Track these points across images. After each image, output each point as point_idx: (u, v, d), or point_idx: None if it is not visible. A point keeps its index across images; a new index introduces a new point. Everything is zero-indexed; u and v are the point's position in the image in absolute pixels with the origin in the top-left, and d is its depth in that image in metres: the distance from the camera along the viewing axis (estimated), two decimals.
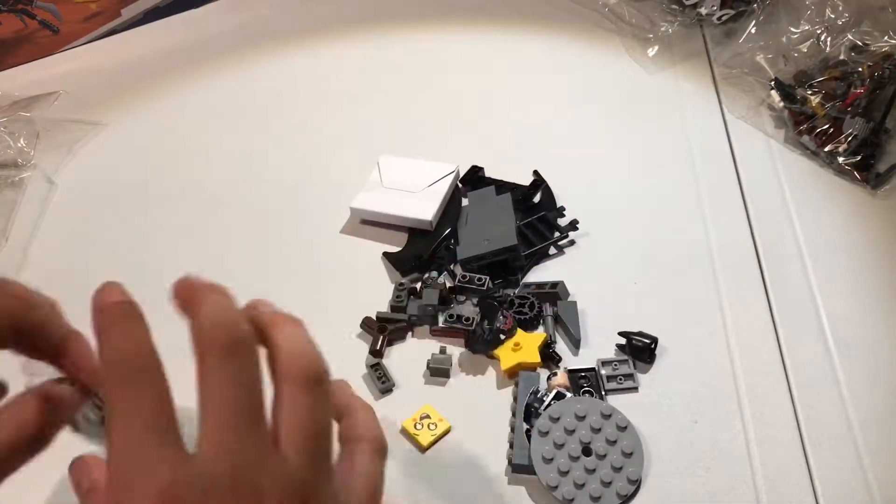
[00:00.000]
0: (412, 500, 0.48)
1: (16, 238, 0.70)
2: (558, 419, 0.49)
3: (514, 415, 0.51)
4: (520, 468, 0.48)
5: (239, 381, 0.25)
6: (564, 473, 0.47)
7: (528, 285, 0.61)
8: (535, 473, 0.47)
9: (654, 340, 0.55)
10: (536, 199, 0.69)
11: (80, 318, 0.64)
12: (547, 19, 0.94)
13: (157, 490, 0.23)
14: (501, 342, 0.55)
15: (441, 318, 0.58)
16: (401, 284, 0.60)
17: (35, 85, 0.88)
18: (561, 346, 0.57)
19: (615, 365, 0.54)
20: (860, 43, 0.75)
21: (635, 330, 0.56)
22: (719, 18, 0.87)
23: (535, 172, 0.71)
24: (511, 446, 0.50)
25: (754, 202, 0.68)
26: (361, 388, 0.55)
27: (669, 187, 0.70)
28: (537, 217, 0.65)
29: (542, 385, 0.53)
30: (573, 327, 0.57)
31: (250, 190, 0.73)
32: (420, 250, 0.64)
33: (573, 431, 0.49)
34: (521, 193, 0.69)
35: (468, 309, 0.58)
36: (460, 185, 0.70)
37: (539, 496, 0.48)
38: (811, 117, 0.72)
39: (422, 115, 0.81)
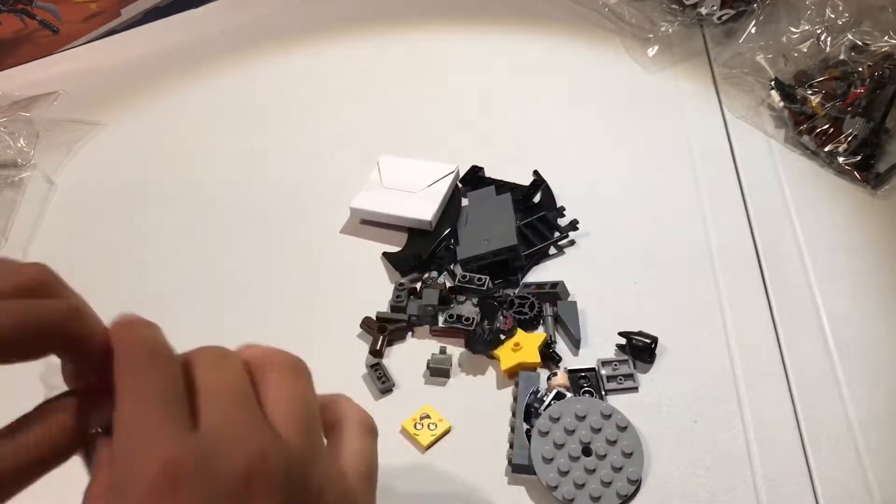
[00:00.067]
0: (412, 500, 0.48)
1: (16, 238, 0.70)
2: (558, 419, 0.49)
3: (514, 415, 0.51)
4: (520, 468, 0.48)
5: (232, 371, 0.26)
6: (564, 473, 0.47)
7: (528, 285, 0.61)
8: (535, 473, 0.47)
9: (654, 340, 0.55)
10: (536, 199, 0.69)
11: None
12: (547, 19, 0.94)
13: (161, 461, 0.23)
14: (501, 342, 0.55)
15: (441, 318, 0.58)
16: (401, 284, 0.60)
17: (35, 85, 0.88)
18: (561, 346, 0.57)
19: (615, 365, 0.54)
20: (860, 43, 0.75)
21: (635, 330, 0.56)
22: (719, 18, 0.87)
23: (535, 172, 0.71)
24: (511, 446, 0.50)
25: (754, 202, 0.68)
26: (361, 388, 0.55)
27: (669, 187, 0.70)
28: (537, 217, 0.65)
29: (542, 385, 0.53)
30: (573, 327, 0.57)
31: (250, 190, 0.73)
32: (420, 250, 0.64)
33: (573, 431, 0.49)
34: (521, 193, 0.69)
35: (468, 309, 0.57)
36: (460, 185, 0.70)
37: (539, 496, 0.48)
38: (811, 117, 0.72)
39: (422, 115, 0.81)
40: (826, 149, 0.70)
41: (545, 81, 0.85)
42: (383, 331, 0.57)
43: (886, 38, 0.74)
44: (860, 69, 0.72)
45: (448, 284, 0.61)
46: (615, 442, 0.48)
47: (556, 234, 0.65)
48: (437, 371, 0.55)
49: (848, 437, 0.50)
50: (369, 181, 0.69)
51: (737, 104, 0.78)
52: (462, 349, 0.57)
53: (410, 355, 0.57)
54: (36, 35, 0.97)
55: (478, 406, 0.53)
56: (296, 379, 0.27)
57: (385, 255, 0.64)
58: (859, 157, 0.69)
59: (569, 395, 0.51)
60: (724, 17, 0.87)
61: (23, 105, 0.83)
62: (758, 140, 0.75)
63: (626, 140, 0.76)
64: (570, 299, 0.59)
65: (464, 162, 0.71)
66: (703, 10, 0.88)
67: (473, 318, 0.56)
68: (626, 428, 0.49)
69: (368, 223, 0.68)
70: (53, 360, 0.28)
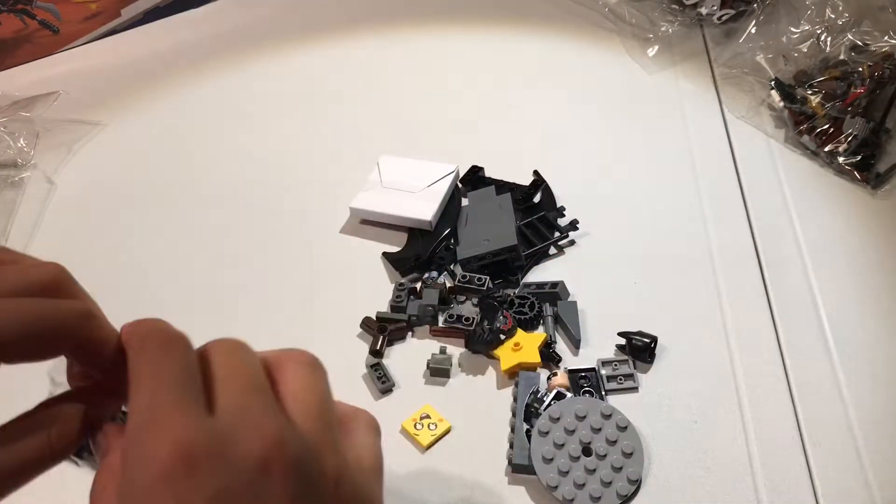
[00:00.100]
0: (412, 500, 0.48)
1: (15, 238, 0.70)
2: (558, 419, 0.49)
3: (514, 415, 0.51)
4: (520, 468, 0.48)
5: (248, 359, 0.26)
6: (564, 473, 0.47)
7: (528, 285, 0.61)
8: (535, 473, 0.47)
9: (654, 340, 0.55)
10: (536, 199, 0.69)
11: None
12: (547, 19, 0.94)
13: (175, 441, 0.23)
14: (501, 342, 0.55)
15: (441, 318, 0.58)
16: (401, 284, 0.60)
17: (35, 85, 0.88)
18: (561, 346, 0.57)
19: (615, 365, 0.54)
20: (860, 43, 0.75)
21: (635, 330, 0.56)
22: (719, 18, 0.87)
23: (535, 172, 0.71)
24: (511, 446, 0.50)
25: (754, 202, 0.68)
26: (361, 388, 0.55)
27: (669, 187, 0.70)
28: (537, 217, 0.65)
29: (542, 385, 0.53)
30: (573, 327, 0.57)
31: (250, 190, 0.73)
32: (420, 250, 0.64)
33: (573, 431, 0.49)
34: (521, 193, 0.69)
35: (468, 309, 0.58)
36: (460, 185, 0.70)
37: (539, 496, 0.48)
38: (811, 117, 0.72)
39: (422, 115, 0.81)
40: (826, 149, 0.70)
41: (545, 81, 0.85)
42: (383, 331, 0.57)
43: (886, 38, 0.74)
44: (860, 69, 0.72)
45: (448, 284, 0.61)
46: (615, 442, 0.48)
47: (556, 234, 0.65)
48: (437, 371, 0.55)
49: (848, 437, 0.50)
50: (369, 181, 0.69)
51: (737, 104, 0.78)
52: (462, 349, 0.57)
53: (410, 355, 0.57)
54: (36, 35, 0.97)
55: (478, 406, 0.53)
56: (312, 373, 0.27)
57: (385, 255, 0.64)
58: (859, 157, 0.69)
59: (569, 395, 0.51)
60: (724, 17, 0.87)
61: (23, 105, 0.83)
62: (758, 140, 0.75)
63: (625, 140, 0.76)
64: (570, 299, 0.59)
65: (464, 162, 0.71)
66: (703, 10, 0.88)
67: (473, 318, 0.56)
68: (626, 428, 0.49)
69: (368, 223, 0.68)
70: (61, 357, 0.28)
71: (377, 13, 0.98)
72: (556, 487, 0.46)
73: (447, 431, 0.52)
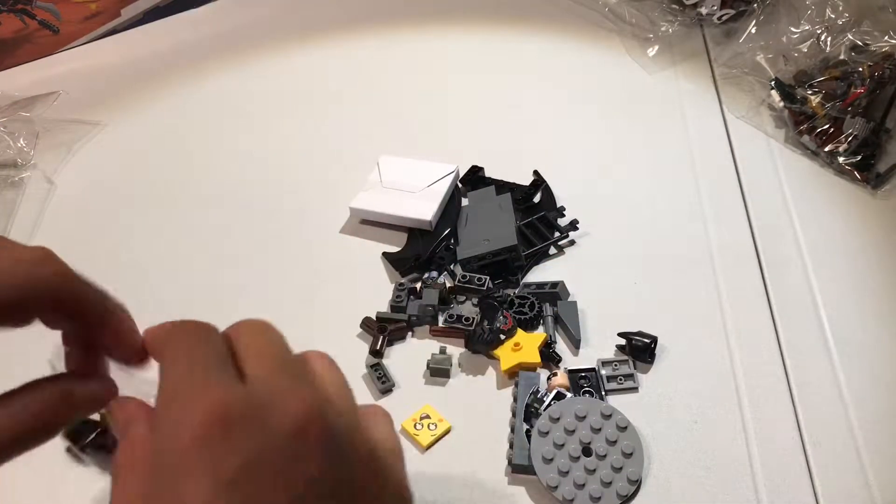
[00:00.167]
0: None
1: (15, 238, 0.69)
2: (558, 419, 0.49)
3: (514, 415, 0.51)
4: (520, 468, 0.48)
5: (276, 337, 0.27)
6: (564, 473, 0.47)
7: (528, 285, 0.61)
8: (535, 473, 0.47)
9: (654, 340, 0.55)
10: (536, 199, 0.69)
11: None
12: (547, 19, 0.94)
13: (210, 404, 0.23)
14: (501, 342, 0.55)
15: (441, 318, 0.58)
16: (401, 284, 0.60)
17: (35, 85, 0.88)
18: (561, 346, 0.57)
19: (615, 365, 0.54)
20: (860, 43, 0.75)
21: (635, 330, 0.56)
22: (719, 18, 0.87)
23: (535, 172, 0.71)
24: (511, 446, 0.50)
25: (754, 202, 0.68)
26: (361, 388, 0.55)
27: (669, 187, 0.70)
28: (537, 217, 0.65)
29: (542, 385, 0.53)
30: (573, 327, 0.57)
31: (250, 190, 0.73)
32: (420, 250, 0.63)
33: (573, 431, 0.49)
34: (521, 193, 0.69)
35: (468, 309, 0.58)
36: (460, 185, 0.70)
37: (539, 496, 0.48)
38: (811, 117, 0.72)
39: (422, 115, 0.81)
40: (826, 149, 0.70)
41: (545, 81, 0.85)
42: (383, 331, 0.57)
43: (886, 38, 0.74)
44: (860, 69, 0.72)
45: (448, 284, 0.60)
46: (615, 442, 0.48)
47: (556, 234, 0.65)
48: (437, 371, 0.55)
49: (848, 437, 0.50)
50: (369, 181, 0.69)
51: (737, 104, 0.78)
52: (462, 349, 0.57)
53: (410, 355, 0.57)
54: (36, 35, 0.97)
55: (478, 406, 0.53)
56: (336, 366, 0.28)
57: (385, 255, 0.64)
58: (859, 157, 0.69)
59: (569, 395, 0.51)
60: (724, 17, 0.87)
61: (23, 105, 0.83)
62: (758, 140, 0.75)
63: (626, 140, 0.76)
64: (570, 299, 0.59)
65: (464, 162, 0.71)
66: (704, 10, 0.88)
67: (473, 318, 0.56)
68: (626, 428, 0.49)
69: (368, 223, 0.68)
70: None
71: (377, 13, 0.98)
72: (556, 487, 0.46)
73: (447, 431, 0.52)
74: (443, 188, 0.67)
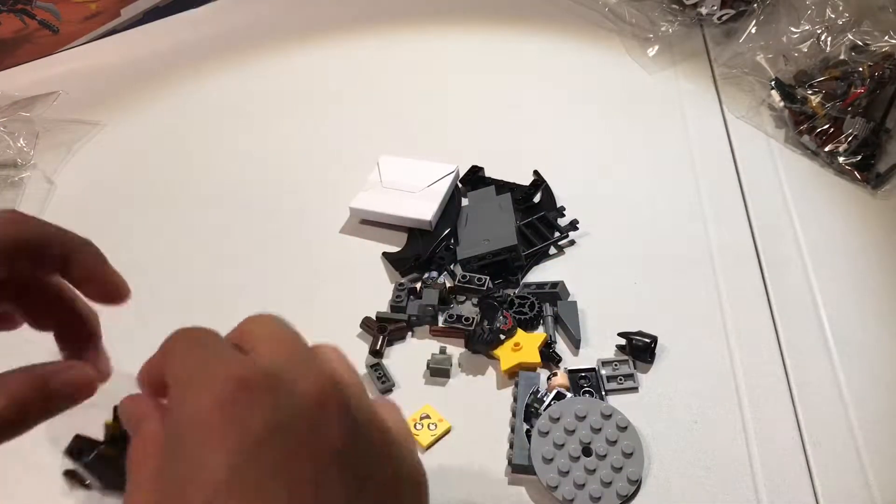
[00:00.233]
0: None
1: None
2: (558, 419, 0.49)
3: (514, 415, 0.51)
4: (520, 468, 0.48)
5: (286, 328, 0.27)
6: (564, 473, 0.47)
7: (528, 285, 0.61)
8: (535, 473, 0.47)
9: (654, 340, 0.55)
10: (536, 199, 0.69)
11: None
12: (547, 19, 0.94)
13: (228, 376, 0.22)
14: (501, 342, 0.55)
15: (441, 318, 0.58)
16: (400, 284, 0.60)
17: (35, 85, 0.88)
18: (561, 346, 0.57)
19: (615, 365, 0.54)
20: (860, 43, 0.75)
21: (635, 330, 0.56)
22: (719, 18, 0.87)
23: (535, 172, 0.71)
24: (511, 446, 0.50)
25: (754, 202, 0.68)
26: None
27: (669, 187, 0.70)
28: (537, 217, 0.65)
29: (542, 385, 0.53)
30: (573, 327, 0.57)
31: (250, 190, 0.73)
32: (420, 250, 0.63)
33: (573, 431, 0.49)
34: (521, 193, 0.69)
35: (468, 309, 0.57)
36: (460, 185, 0.70)
37: (539, 496, 0.48)
38: (811, 117, 0.72)
39: (422, 115, 0.81)
40: (826, 149, 0.70)
41: (545, 81, 0.85)
42: (383, 331, 0.57)
43: (887, 38, 0.74)
44: (860, 69, 0.72)
45: (448, 284, 0.60)
46: (615, 442, 0.48)
47: (556, 234, 0.65)
48: (437, 371, 0.55)
49: (848, 437, 0.50)
50: (369, 181, 0.69)
51: (737, 104, 0.78)
52: (462, 349, 0.57)
53: (410, 355, 0.57)
54: (36, 35, 0.97)
55: (478, 406, 0.53)
56: (346, 359, 0.28)
57: (385, 255, 0.64)
58: (859, 157, 0.69)
59: (569, 395, 0.51)
60: (724, 17, 0.87)
61: (23, 105, 0.83)
62: (758, 140, 0.75)
63: (626, 140, 0.76)
64: (570, 299, 0.59)
65: (464, 162, 0.71)
66: (704, 10, 0.88)
67: (473, 318, 0.56)
68: (626, 428, 0.49)
69: (368, 223, 0.68)
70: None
71: (377, 13, 0.98)
72: (556, 487, 0.46)
73: (447, 431, 0.52)
74: (443, 188, 0.67)
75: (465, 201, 0.69)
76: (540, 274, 0.62)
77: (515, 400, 0.52)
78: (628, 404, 0.52)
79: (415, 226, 0.66)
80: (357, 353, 0.57)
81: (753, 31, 0.82)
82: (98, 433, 0.46)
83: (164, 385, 0.24)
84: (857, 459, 0.49)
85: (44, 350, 0.30)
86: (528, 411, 0.51)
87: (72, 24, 0.98)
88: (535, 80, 0.85)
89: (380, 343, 0.56)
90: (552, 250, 0.64)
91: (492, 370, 0.56)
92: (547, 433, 0.49)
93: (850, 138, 0.69)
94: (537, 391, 0.52)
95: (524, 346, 0.55)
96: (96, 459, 0.46)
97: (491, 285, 0.59)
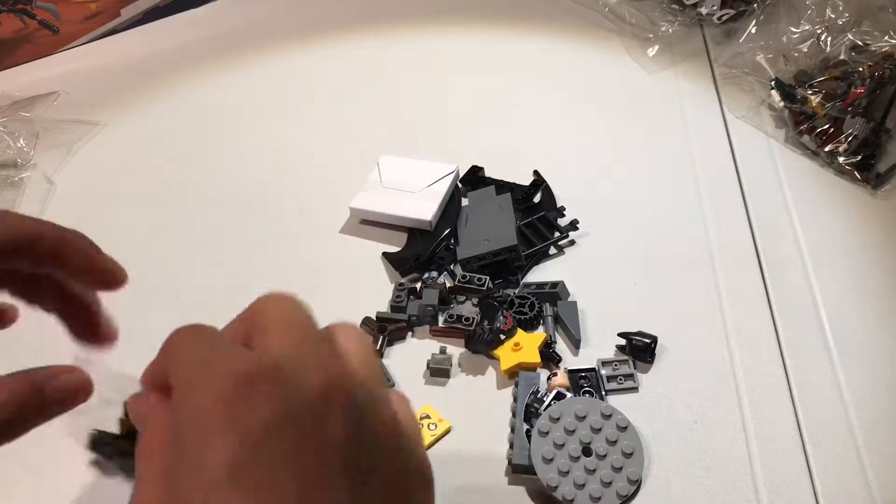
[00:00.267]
0: None
1: None
2: (558, 419, 0.49)
3: (514, 415, 0.51)
4: (520, 468, 0.48)
5: (300, 311, 0.27)
6: (564, 473, 0.47)
7: (528, 285, 0.61)
8: (535, 473, 0.47)
9: (654, 340, 0.55)
10: (536, 199, 0.69)
11: None
12: (547, 19, 0.94)
13: (230, 371, 0.22)
14: (501, 342, 0.55)
15: (441, 318, 0.58)
16: (400, 284, 0.60)
17: (35, 85, 0.88)
18: (561, 346, 0.57)
19: (615, 365, 0.54)
20: (860, 43, 0.75)
21: (635, 330, 0.56)
22: (719, 18, 0.87)
23: (535, 172, 0.71)
24: (511, 446, 0.50)
25: (754, 202, 0.68)
26: None
27: (669, 187, 0.70)
28: (537, 217, 0.65)
29: (542, 385, 0.53)
30: (573, 327, 0.57)
31: (250, 190, 0.73)
32: (420, 250, 0.63)
33: (573, 431, 0.49)
34: (521, 193, 0.69)
35: (468, 309, 0.57)
36: (460, 185, 0.70)
37: (539, 496, 0.48)
38: (811, 117, 0.72)
39: (422, 115, 0.81)
40: (826, 149, 0.70)
41: (545, 81, 0.85)
42: (383, 331, 0.57)
43: (887, 37, 0.74)
44: (860, 69, 0.72)
45: (448, 284, 0.61)
46: (615, 442, 0.48)
47: (556, 234, 0.65)
48: (437, 371, 0.55)
49: (848, 437, 0.50)
50: (369, 181, 0.69)
51: (737, 104, 0.78)
52: (462, 349, 0.57)
53: (410, 355, 0.57)
54: (36, 35, 0.97)
55: (478, 406, 0.53)
56: (363, 338, 0.27)
57: (385, 255, 0.64)
58: (859, 157, 0.69)
59: (569, 395, 0.51)
60: (725, 17, 0.87)
61: (23, 105, 0.83)
62: (758, 140, 0.75)
63: (626, 140, 0.76)
64: (570, 299, 0.59)
65: (464, 162, 0.71)
66: (704, 10, 0.88)
67: (473, 318, 0.56)
68: (626, 428, 0.49)
69: (368, 223, 0.68)
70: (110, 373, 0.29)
71: (377, 13, 0.98)
72: (556, 487, 0.46)
73: (447, 431, 0.52)
74: (443, 188, 0.67)
75: (465, 201, 0.69)
76: (540, 274, 0.62)
77: (515, 400, 0.52)
78: (628, 404, 0.52)
79: (415, 226, 0.66)
80: None
81: (753, 31, 0.82)
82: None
83: (167, 386, 0.24)
84: (857, 459, 0.49)
85: (31, 351, 0.31)
86: (528, 411, 0.51)
87: (72, 24, 0.98)
88: (535, 80, 0.85)
89: (380, 343, 0.56)
90: (552, 250, 0.64)
91: (492, 370, 0.56)
92: (547, 433, 0.49)
93: (850, 138, 0.69)
94: (537, 391, 0.52)
95: (524, 346, 0.55)
96: (115, 452, 0.47)
97: (491, 285, 0.59)
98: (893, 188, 0.68)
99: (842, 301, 0.59)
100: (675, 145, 0.74)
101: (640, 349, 0.55)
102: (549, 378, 0.53)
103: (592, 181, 0.71)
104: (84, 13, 0.99)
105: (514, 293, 0.59)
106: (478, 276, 0.59)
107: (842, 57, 0.75)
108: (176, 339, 0.25)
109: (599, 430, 0.49)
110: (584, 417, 0.49)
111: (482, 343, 0.55)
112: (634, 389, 0.53)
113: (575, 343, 0.56)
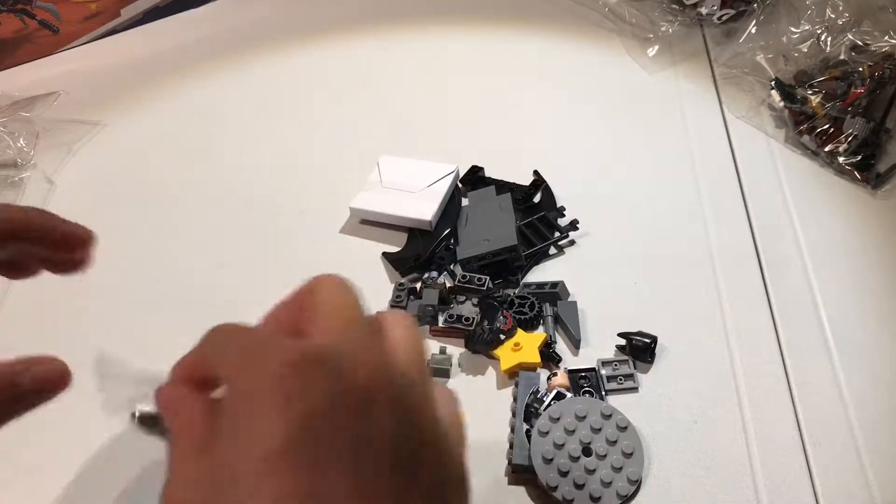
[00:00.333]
0: None
1: None
2: (558, 419, 0.49)
3: (514, 415, 0.51)
4: (520, 468, 0.48)
5: (352, 299, 0.27)
6: (564, 474, 0.47)
7: (528, 285, 0.61)
8: (535, 473, 0.47)
9: (654, 340, 0.55)
10: (536, 199, 0.69)
11: (79, 315, 0.64)
12: (547, 19, 0.94)
13: (284, 355, 0.22)
14: (501, 342, 0.55)
15: (441, 318, 0.58)
16: (400, 284, 0.60)
17: (35, 85, 0.88)
18: (561, 346, 0.57)
19: (615, 365, 0.54)
20: (860, 43, 0.75)
21: (635, 330, 0.56)
22: (719, 18, 0.87)
23: (535, 172, 0.71)
24: (511, 446, 0.50)
25: (754, 202, 0.68)
26: None
27: (669, 187, 0.70)
28: (537, 217, 0.65)
29: (542, 385, 0.53)
30: (573, 327, 0.57)
31: (250, 190, 0.73)
32: (420, 250, 0.63)
33: (573, 431, 0.49)
34: (521, 193, 0.69)
35: (468, 309, 0.58)
36: (460, 185, 0.70)
37: (539, 496, 0.48)
38: (811, 117, 0.72)
39: (422, 115, 0.81)
40: (826, 149, 0.70)
41: (545, 81, 0.85)
42: None
43: (887, 37, 0.74)
44: (860, 69, 0.72)
45: (448, 284, 0.61)
46: (615, 442, 0.48)
47: (556, 234, 0.65)
48: (437, 371, 0.55)
49: (848, 437, 0.50)
50: (369, 181, 0.69)
51: (737, 104, 0.78)
52: (462, 349, 0.57)
53: None
54: (36, 35, 0.97)
55: (478, 406, 0.53)
56: (413, 328, 0.27)
57: (385, 255, 0.64)
58: (859, 157, 0.69)
59: (569, 395, 0.51)
60: (725, 17, 0.87)
61: (23, 105, 0.83)
62: (758, 140, 0.75)
63: (626, 140, 0.76)
64: (570, 299, 0.59)
65: (464, 162, 0.71)
66: (704, 10, 0.87)
67: (473, 318, 0.56)
68: (626, 428, 0.49)
69: (368, 223, 0.68)
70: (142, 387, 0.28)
71: (377, 13, 0.98)
72: (556, 488, 0.46)
73: None
74: (443, 188, 0.67)
75: (465, 201, 0.69)
76: (540, 274, 0.62)
77: (515, 400, 0.52)
78: (628, 404, 0.52)
79: (415, 226, 0.66)
80: None
81: (753, 31, 0.82)
82: None
83: (204, 379, 0.25)
84: (857, 459, 0.49)
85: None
86: (528, 411, 0.51)
87: (72, 24, 0.98)
88: (535, 80, 0.85)
89: None
90: (552, 250, 0.64)
91: (492, 370, 0.56)
92: (547, 433, 0.49)
93: (850, 138, 0.69)
94: (537, 391, 0.52)
95: (524, 346, 0.55)
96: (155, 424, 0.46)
97: (491, 285, 0.59)
98: (893, 188, 0.68)
99: (842, 301, 0.59)
100: (675, 145, 0.74)
101: (640, 349, 0.55)
102: (549, 378, 0.53)
103: (592, 181, 0.71)
104: (84, 13, 0.99)
105: (514, 293, 0.59)
106: (478, 276, 0.59)
107: (842, 57, 0.75)
108: (219, 335, 0.26)
109: (599, 430, 0.49)
110: (584, 417, 0.49)
111: (482, 343, 0.55)
112: (634, 389, 0.53)
113: (575, 343, 0.56)
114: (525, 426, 0.50)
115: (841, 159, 0.69)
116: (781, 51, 0.79)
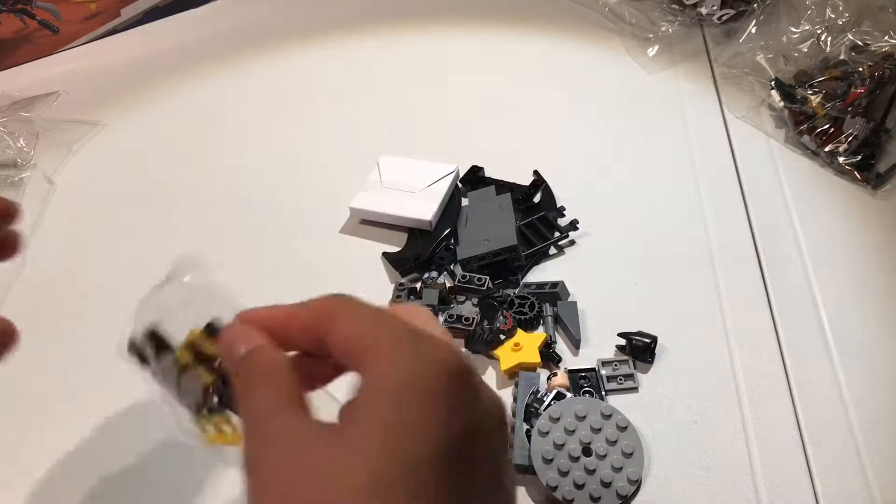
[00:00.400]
0: None
1: None
2: (558, 419, 0.49)
3: (514, 415, 0.51)
4: (520, 468, 0.48)
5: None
6: (564, 473, 0.47)
7: (528, 285, 0.61)
8: (535, 473, 0.47)
9: (654, 340, 0.55)
10: (536, 199, 0.69)
11: (79, 315, 0.64)
12: (547, 19, 0.94)
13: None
14: (501, 342, 0.55)
15: (441, 318, 0.58)
16: (400, 284, 0.60)
17: (35, 85, 0.88)
18: (561, 346, 0.57)
19: (615, 365, 0.54)
20: (860, 43, 0.75)
21: (635, 330, 0.56)
22: (719, 18, 0.87)
23: (535, 172, 0.71)
24: (511, 446, 0.50)
25: (754, 202, 0.68)
26: None
27: (669, 187, 0.70)
28: (537, 217, 0.65)
29: (542, 385, 0.53)
30: (573, 327, 0.57)
31: (250, 190, 0.73)
32: (420, 250, 0.63)
33: (573, 431, 0.49)
34: (521, 193, 0.69)
35: (468, 309, 0.57)
36: (460, 185, 0.70)
37: (539, 496, 0.48)
38: (811, 117, 0.72)
39: (422, 115, 0.81)
40: (826, 149, 0.70)
41: (545, 81, 0.85)
42: None
43: (887, 37, 0.74)
44: (860, 69, 0.72)
45: (448, 284, 0.60)
46: (615, 442, 0.48)
47: (556, 234, 0.65)
48: None
49: (848, 437, 0.50)
50: (369, 181, 0.69)
51: (737, 104, 0.78)
52: (462, 349, 0.57)
53: None
54: (36, 35, 0.97)
55: None
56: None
57: (385, 255, 0.64)
58: (859, 157, 0.69)
59: (569, 395, 0.51)
60: (725, 17, 0.87)
61: (23, 105, 0.83)
62: (758, 140, 0.75)
63: (626, 140, 0.76)
64: (570, 299, 0.59)
65: (464, 162, 0.71)
66: (704, 10, 0.88)
67: (473, 318, 0.56)
68: (626, 428, 0.49)
69: (368, 223, 0.68)
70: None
71: (377, 13, 0.98)
72: (556, 487, 0.46)
73: None
74: (443, 188, 0.67)
75: (465, 201, 0.69)
76: (540, 274, 0.62)
77: (515, 400, 0.52)
78: (628, 404, 0.52)
79: (415, 226, 0.66)
80: None
81: (753, 31, 0.82)
82: None
83: (287, 338, 0.26)
84: (857, 459, 0.49)
85: None
86: (528, 411, 0.51)
87: (72, 24, 0.98)
88: (535, 80, 0.85)
89: None
90: (552, 250, 0.64)
91: (492, 370, 0.56)
92: (547, 433, 0.49)
93: (850, 138, 0.69)
94: (537, 391, 0.52)
95: (524, 346, 0.55)
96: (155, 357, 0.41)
97: (491, 285, 0.59)
98: (893, 188, 0.68)
99: (842, 301, 0.59)
100: (675, 145, 0.74)
101: (640, 349, 0.55)
102: (549, 378, 0.53)
103: (592, 181, 0.71)
104: (84, 13, 0.99)
105: (514, 293, 0.59)
106: (478, 276, 0.59)
107: (842, 57, 0.75)
108: (342, 306, 0.26)
109: (599, 430, 0.49)
110: (584, 417, 0.49)
111: (482, 343, 0.55)
112: (634, 389, 0.53)
113: (575, 343, 0.56)
114: (525, 426, 0.50)
115: (841, 159, 0.69)
116: (781, 51, 0.79)
